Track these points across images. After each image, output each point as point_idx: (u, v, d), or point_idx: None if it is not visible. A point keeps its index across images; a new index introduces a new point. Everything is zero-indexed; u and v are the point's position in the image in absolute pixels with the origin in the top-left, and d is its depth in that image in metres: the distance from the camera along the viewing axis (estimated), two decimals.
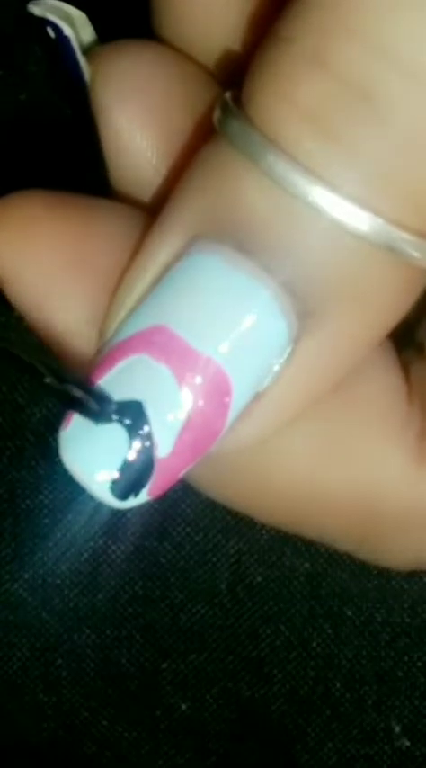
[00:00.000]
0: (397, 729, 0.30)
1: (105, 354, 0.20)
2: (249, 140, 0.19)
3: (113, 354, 0.20)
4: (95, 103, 0.22)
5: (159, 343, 0.19)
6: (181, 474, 0.20)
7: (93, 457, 0.19)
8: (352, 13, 0.18)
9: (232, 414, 0.19)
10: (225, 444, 0.20)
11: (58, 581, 0.29)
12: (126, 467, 0.19)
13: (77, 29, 0.23)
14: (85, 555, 0.29)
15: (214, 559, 0.30)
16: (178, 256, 0.19)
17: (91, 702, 0.30)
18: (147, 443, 0.19)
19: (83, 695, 0.30)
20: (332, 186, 0.18)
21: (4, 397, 0.29)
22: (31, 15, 0.23)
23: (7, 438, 0.29)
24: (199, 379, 0.19)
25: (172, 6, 0.23)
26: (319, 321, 0.19)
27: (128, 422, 0.19)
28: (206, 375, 0.19)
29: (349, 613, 0.30)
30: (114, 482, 0.19)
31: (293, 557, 0.30)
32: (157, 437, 0.19)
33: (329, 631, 0.30)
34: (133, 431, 0.19)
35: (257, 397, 0.20)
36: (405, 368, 0.22)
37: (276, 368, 0.19)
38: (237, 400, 0.19)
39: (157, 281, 0.20)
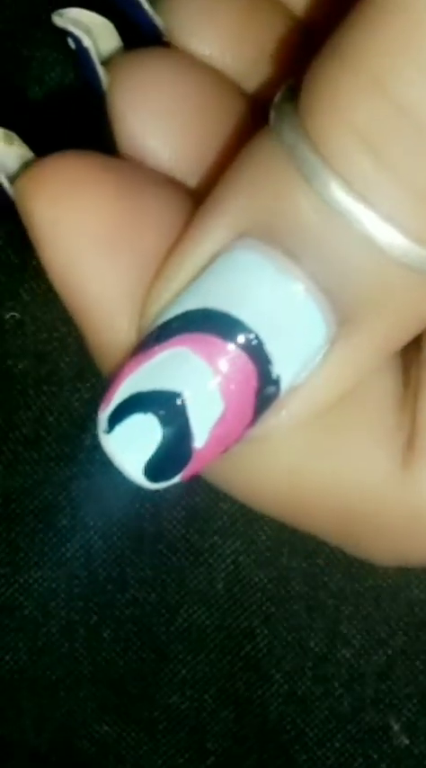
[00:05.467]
0: (396, 728, 0.30)
1: (145, 341, 0.20)
2: (305, 157, 0.19)
3: (154, 345, 0.20)
4: (110, 112, 0.22)
5: (199, 337, 0.19)
6: (210, 461, 0.20)
7: (129, 440, 0.20)
8: (418, 38, 0.18)
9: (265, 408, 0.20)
10: (251, 434, 0.20)
11: (54, 585, 0.29)
12: (162, 454, 0.20)
13: (100, 37, 0.23)
14: (81, 558, 0.29)
15: (210, 560, 0.30)
16: (224, 250, 0.20)
17: (89, 704, 0.30)
18: (185, 434, 0.20)
19: (81, 698, 0.30)
20: (384, 215, 0.19)
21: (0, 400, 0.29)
22: (54, 25, 0.23)
23: (1, 443, 0.29)
24: (236, 375, 0.19)
25: (183, 16, 0.23)
26: (356, 328, 0.20)
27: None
28: (244, 372, 0.19)
29: (346, 613, 0.30)
30: (148, 466, 0.20)
31: (290, 557, 0.30)
32: (194, 428, 0.20)
33: (326, 631, 0.30)
34: (170, 421, 0.19)
35: (288, 391, 0.20)
36: (406, 369, 0.22)
37: (311, 366, 0.20)
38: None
39: (202, 271, 0.20)
